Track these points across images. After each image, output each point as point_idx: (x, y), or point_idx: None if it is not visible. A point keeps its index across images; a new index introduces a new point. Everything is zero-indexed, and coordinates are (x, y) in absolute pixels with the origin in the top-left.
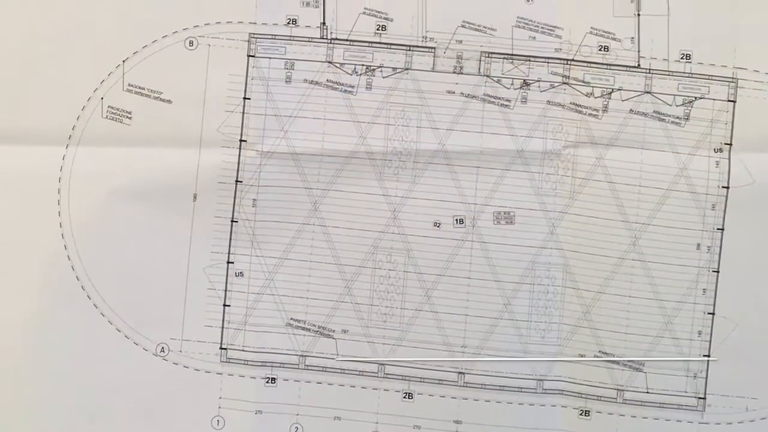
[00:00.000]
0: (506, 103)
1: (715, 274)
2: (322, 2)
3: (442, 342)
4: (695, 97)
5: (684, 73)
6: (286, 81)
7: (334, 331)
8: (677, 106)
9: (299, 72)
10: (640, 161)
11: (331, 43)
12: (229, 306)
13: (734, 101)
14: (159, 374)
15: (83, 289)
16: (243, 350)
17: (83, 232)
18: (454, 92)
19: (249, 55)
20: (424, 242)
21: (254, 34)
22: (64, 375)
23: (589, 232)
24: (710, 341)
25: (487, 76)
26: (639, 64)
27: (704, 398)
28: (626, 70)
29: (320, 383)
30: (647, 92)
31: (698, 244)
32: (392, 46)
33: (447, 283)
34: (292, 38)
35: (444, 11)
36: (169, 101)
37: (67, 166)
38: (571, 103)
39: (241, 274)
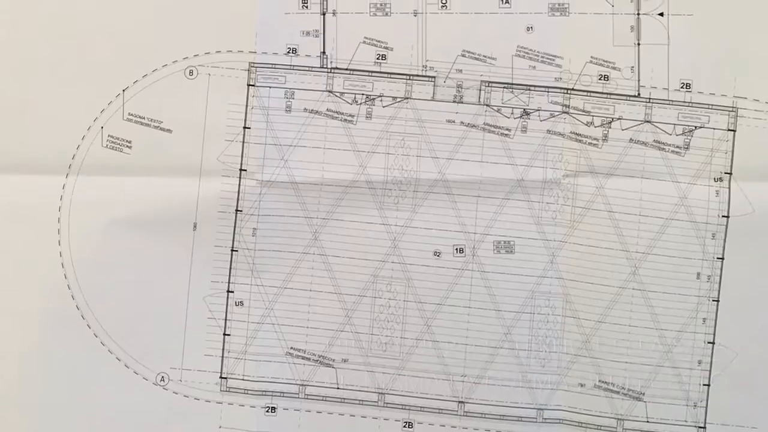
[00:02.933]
0: (506, 132)
1: (715, 303)
2: (322, 32)
3: (442, 371)
4: (695, 126)
5: (684, 102)
6: (286, 110)
7: (333, 360)
8: (677, 135)
9: (299, 101)
10: (640, 190)
11: (331, 72)
12: (229, 335)
13: (734, 130)
14: (159, 403)
15: (83, 318)
16: (243, 379)
17: (83, 261)
18: (454, 121)
19: (249, 84)
20: (424, 271)
21: (254, 63)
22: (64, 404)
23: (589, 262)
24: (710, 370)
25: (487, 105)
26: (639, 94)
27: (704, 427)
28: (626, 100)
29: (320, 412)
30: (647, 121)
31: (698, 274)
32: (392, 76)
33: (447, 312)
34: (292, 67)
35: (444, 41)
36: (169, 130)
37: (67, 196)
38: (571, 132)
39: (241, 303)
